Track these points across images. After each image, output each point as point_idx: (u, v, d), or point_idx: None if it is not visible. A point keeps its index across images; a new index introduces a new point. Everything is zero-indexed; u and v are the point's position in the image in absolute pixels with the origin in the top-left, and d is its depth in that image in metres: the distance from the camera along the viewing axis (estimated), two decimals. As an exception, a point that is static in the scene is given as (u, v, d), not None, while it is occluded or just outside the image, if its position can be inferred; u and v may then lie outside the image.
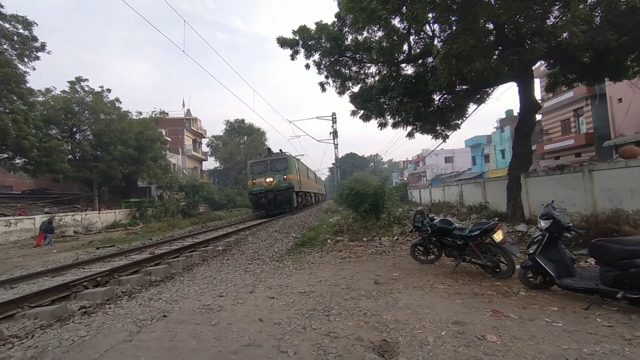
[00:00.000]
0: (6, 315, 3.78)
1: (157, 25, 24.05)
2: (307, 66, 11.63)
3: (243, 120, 49.93)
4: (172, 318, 3.62)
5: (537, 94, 15.53)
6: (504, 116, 34.42)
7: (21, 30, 19.01)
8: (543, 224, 4.03)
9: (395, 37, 8.90)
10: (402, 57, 10.36)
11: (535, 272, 4.14)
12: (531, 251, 4.06)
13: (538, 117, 21.81)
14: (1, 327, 3.49)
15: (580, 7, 6.06)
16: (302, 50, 11.30)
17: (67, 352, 2.86)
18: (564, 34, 6.74)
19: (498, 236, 4.69)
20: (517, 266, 4.60)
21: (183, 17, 10.57)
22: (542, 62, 9.82)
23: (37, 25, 19.35)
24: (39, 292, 4.46)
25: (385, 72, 11.06)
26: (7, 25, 18.50)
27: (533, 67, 9.47)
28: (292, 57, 11.48)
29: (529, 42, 7.54)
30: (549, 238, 3.96)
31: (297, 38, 11.13)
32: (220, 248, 8.27)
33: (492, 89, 11.14)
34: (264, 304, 3.98)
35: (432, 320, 3.23)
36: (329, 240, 9.12)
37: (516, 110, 10.83)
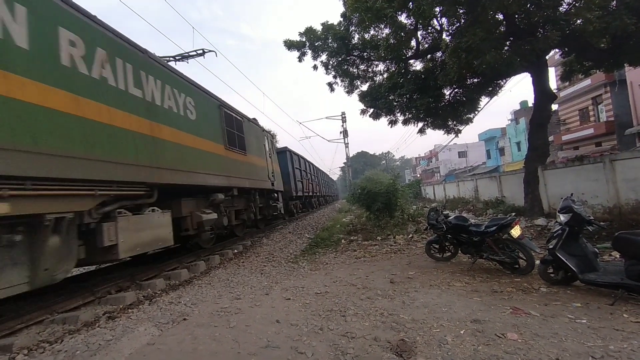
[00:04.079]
0: (36, 321, 3.95)
1: (169, 35, 24.69)
2: (315, 67, 11.69)
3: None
4: (191, 321, 3.71)
5: (552, 83, 15.13)
6: (518, 108, 33.56)
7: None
8: (562, 217, 3.93)
9: (402, 34, 8.83)
10: (410, 53, 10.28)
11: (556, 267, 4.04)
12: (551, 246, 3.95)
13: (554, 107, 21.21)
14: (32, 332, 3.67)
15: (594, -8, 5.87)
16: (309, 52, 11.37)
17: (94, 356, 2.98)
18: (578, 21, 6.53)
19: (516, 231, 4.58)
20: (537, 262, 4.49)
21: (192, 24, 10.82)
22: (556, 50, 9.54)
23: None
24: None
25: (393, 69, 11.00)
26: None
27: (547, 57, 9.21)
28: (300, 59, 11.55)
29: (542, 31, 7.35)
30: (569, 232, 3.85)
31: (304, 40, 11.19)
32: (236, 251, 8.40)
33: (504, 80, 10.89)
34: (281, 306, 4.03)
35: (450, 319, 3.19)
36: (342, 240, 9.12)
37: (531, 101, 10.55)
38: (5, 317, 3.81)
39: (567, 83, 18.67)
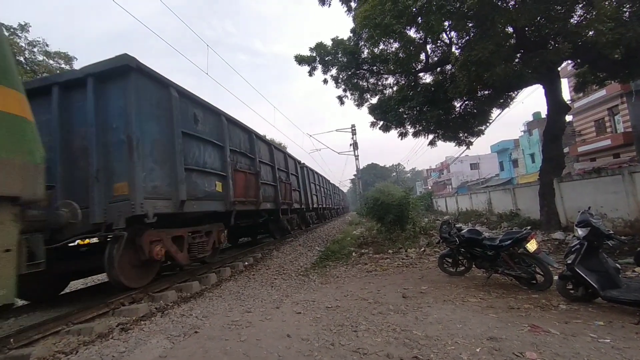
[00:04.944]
0: (53, 332, 4.03)
1: (184, 53, 25.66)
2: (325, 81, 11.89)
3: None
4: (202, 334, 3.71)
5: (566, 94, 14.90)
6: (531, 119, 33.12)
7: (63, 65, 20.89)
8: (580, 232, 3.82)
9: (411, 48, 8.93)
10: (419, 67, 10.37)
11: (575, 283, 3.90)
12: (569, 261, 3.84)
13: (568, 118, 20.84)
14: (49, 343, 3.73)
15: (605, 4, 5.86)
16: (319, 66, 11.59)
17: (107, 367, 3.01)
18: (590, 33, 6.50)
19: (532, 245, 4.47)
20: (555, 277, 4.35)
21: (207, 42, 11.23)
22: (569, 62, 9.46)
23: (77, 59, 21.25)
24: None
25: (403, 82, 11.09)
26: (51, 61, 20.45)
27: (559, 68, 9.14)
28: (310, 74, 11.78)
29: (553, 43, 7.34)
30: (588, 247, 3.73)
31: (314, 55, 11.44)
32: (247, 263, 8.41)
33: (515, 92, 10.83)
34: (291, 320, 4.00)
35: (465, 336, 3.10)
36: (353, 253, 9.03)
37: (544, 112, 10.40)
38: (25, 326, 3.90)
39: (581, 94, 18.42)
